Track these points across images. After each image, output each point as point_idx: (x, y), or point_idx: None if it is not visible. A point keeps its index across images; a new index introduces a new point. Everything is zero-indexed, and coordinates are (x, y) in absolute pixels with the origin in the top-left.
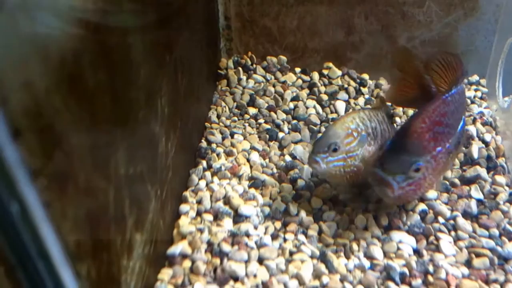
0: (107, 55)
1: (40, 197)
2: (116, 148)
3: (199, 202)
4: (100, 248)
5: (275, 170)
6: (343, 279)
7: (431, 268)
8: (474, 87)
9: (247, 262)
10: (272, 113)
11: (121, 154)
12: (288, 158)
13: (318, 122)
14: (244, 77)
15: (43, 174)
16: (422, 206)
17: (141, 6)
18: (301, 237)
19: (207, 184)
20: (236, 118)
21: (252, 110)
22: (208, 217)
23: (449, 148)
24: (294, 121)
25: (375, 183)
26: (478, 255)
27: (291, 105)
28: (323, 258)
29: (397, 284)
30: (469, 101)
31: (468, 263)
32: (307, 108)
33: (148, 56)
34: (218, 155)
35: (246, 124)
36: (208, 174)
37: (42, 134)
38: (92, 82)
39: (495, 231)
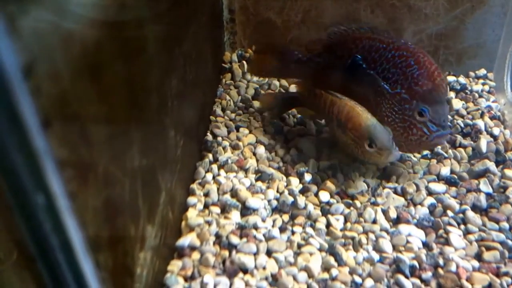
0: (124, 47)
1: (65, 188)
2: (131, 139)
3: (206, 194)
4: (116, 239)
5: (281, 164)
6: (352, 272)
7: (441, 261)
8: (481, 81)
9: (255, 254)
10: None
11: (135, 145)
12: (294, 151)
13: None
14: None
15: (69, 164)
16: (430, 200)
17: None
18: (309, 230)
19: (214, 177)
20: (241, 112)
21: (257, 104)
22: (216, 209)
23: None
24: (299, 115)
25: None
26: (488, 248)
27: None
28: (331, 251)
29: (406, 277)
30: (476, 95)
31: (478, 256)
32: None
33: (160, 48)
34: (224, 148)
35: (251, 118)
36: (214, 167)
37: (69, 124)
38: (111, 74)
39: (505, 225)
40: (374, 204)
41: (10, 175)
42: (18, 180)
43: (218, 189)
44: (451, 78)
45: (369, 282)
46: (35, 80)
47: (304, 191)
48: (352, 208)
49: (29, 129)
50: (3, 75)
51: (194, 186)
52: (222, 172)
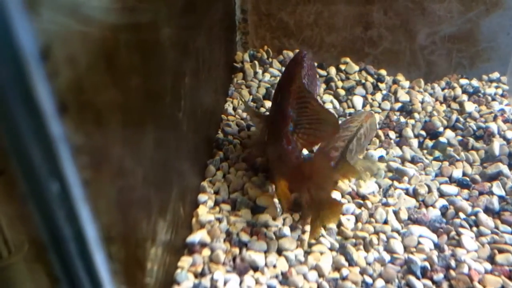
0: (140, 38)
1: (80, 177)
2: (144, 133)
3: (217, 192)
4: (128, 231)
5: None
6: (363, 272)
7: (453, 263)
8: (494, 84)
9: (266, 252)
10: None
11: (149, 137)
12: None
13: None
14: (260, 71)
15: (84, 152)
16: (442, 202)
17: None
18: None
19: (224, 175)
20: None
21: (269, 104)
22: (226, 207)
23: None
24: None
25: None
26: (501, 251)
27: None
28: (342, 250)
29: (418, 278)
30: (490, 98)
31: (490, 259)
32: (324, 102)
33: (174, 42)
34: (235, 146)
35: None
36: (225, 165)
37: (84, 111)
38: (127, 64)
39: None
40: (386, 204)
41: (24, 161)
42: (32, 167)
43: (228, 187)
44: (464, 81)
45: (379, 282)
46: (52, 64)
47: None
48: (363, 208)
49: (45, 114)
50: (21, 57)
51: (205, 183)
52: (232, 170)
